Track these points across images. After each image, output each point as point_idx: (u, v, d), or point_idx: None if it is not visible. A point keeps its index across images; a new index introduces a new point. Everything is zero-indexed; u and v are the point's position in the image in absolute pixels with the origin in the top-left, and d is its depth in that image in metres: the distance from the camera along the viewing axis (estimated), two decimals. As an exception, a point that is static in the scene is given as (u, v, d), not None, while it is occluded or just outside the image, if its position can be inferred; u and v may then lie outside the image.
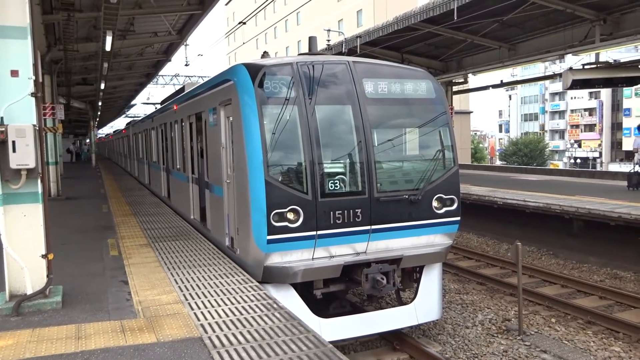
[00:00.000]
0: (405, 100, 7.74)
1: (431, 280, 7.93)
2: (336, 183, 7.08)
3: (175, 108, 12.63)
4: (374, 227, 7.26)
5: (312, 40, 8.64)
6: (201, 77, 42.38)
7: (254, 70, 7.00)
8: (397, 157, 7.79)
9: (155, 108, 19.65)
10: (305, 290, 7.26)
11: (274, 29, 64.93)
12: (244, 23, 17.67)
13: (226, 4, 77.78)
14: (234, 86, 7.26)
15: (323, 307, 7.71)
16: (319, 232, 6.93)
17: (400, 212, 7.42)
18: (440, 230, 7.78)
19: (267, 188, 6.64)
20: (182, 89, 13.58)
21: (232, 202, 7.76)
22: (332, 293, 7.67)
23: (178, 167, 12.54)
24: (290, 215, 6.76)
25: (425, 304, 7.82)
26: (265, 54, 9.08)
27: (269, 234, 6.68)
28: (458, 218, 7.88)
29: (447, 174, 7.76)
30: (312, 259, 7.02)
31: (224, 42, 79.37)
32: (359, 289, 7.99)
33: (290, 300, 6.85)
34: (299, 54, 8.43)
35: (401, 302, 8.40)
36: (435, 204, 7.64)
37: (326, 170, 7.04)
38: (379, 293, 7.41)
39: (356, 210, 7.11)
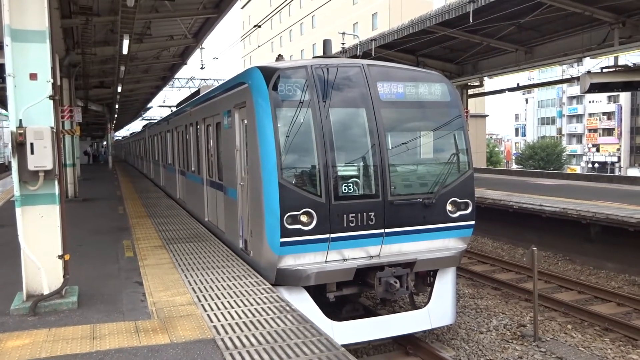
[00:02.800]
0: (419, 104, 7.69)
1: (445, 285, 7.86)
2: (350, 186, 7.05)
3: (190, 111, 12.61)
4: (387, 230, 7.22)
5: (326, 43, 8.66)
6: (216, 80, 42.67)
7: (268, 73, 7.00)
8: (411, 161, 7.72)
9: (171, 111, 19.83)
10: (318, 293, 7.25)
11: (289, 32, 65.18)
12: (260, 26, 17.77)
13: (242, 8, 78.26)
14: (249, 89, 7.27)
15: (336, 310, 7.70)
16: (332, 235, 6.91)
17: (414, 215, 7.37)
18: (455, 234, 7.72)
19: (281, 191, 6.64)
20: (197, 92, 13.53)
21: (245, 204, 7.77)
22: (345, 296, 7.65)
23: (193, 169, 12.51)
24: (304, 218, 6.75)
25: (438, 309, 7.76)
26: (279, 57, 9.11)
27: (282, 237, 6.68)
28: (472, 222, 7.82)
29: (461, 177, 7.71)
30: (325, 261, 7.00)
31: (240, 45, 79.85)
32: (372, 292, 7.97)
33: (303, 303, 6.83)
34: (314, 57, 8.45)
35: (414, 306, 8.35)
36: (449, 207, 7.59)
37: (340, 173, 7.00)
38: (392, 297, 7.36)
39: (370, 213, 7.08)
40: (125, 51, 15.10)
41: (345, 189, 7.00)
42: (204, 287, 6.53)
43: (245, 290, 6.34)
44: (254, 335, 4.93)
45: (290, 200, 6.69)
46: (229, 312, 5.56)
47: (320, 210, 6.81)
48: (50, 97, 5.65)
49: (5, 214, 13.21)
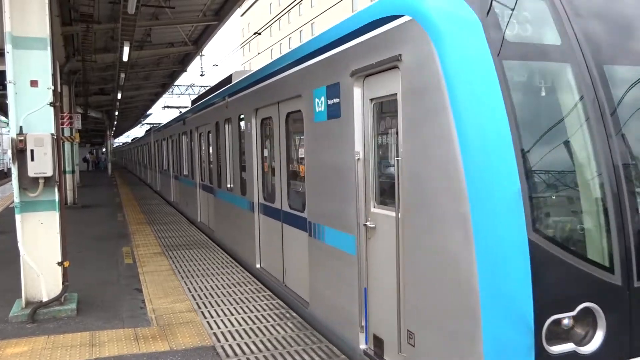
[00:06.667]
0: None
1: None
2: None
3: (227, 102, 8.95)
4: None
5: None
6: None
7: None
8: None
9: (180, 112, 17.42)
10: None
11: (289, 40, 65.44)
12: (259, 34, 17.85)
13: (241, 15, 78.70)
14: (417, 26, 3.49)
15: None
16: None
17: None
18: None
19: (536, 261, 3.03)
20: (229, 78, 9.95)
21: (386, 268, 4.10)
22: None
23: (229, 186, 9.03)
24: (580, 329, 3.19)
25: None
26: None
27: None
28: None
29: None
30: None
31: (239, 53, 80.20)
32: None
33: None
34: None
35: None
36: None
37: None
38: None
39: None
40: (125, 58, 15.14)
41: None
42: (204, 294, 6.51)
43: (245, 297, 6.32)
44: (254, 342, 4.91)
45: (555, 285, 3.09)
46: (228, 319, 5.54)
47: (614, 304, 3.19)
48: (51, 104, 5.67)
49: (5, 221, 13.20)
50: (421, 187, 3.52)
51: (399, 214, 3.77)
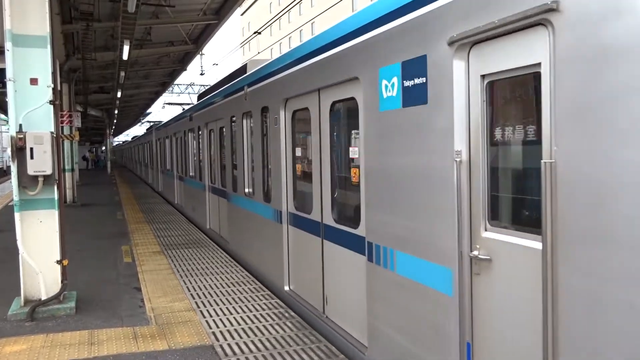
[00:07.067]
0: None
1: None
2: None
3: (245, 93, 7.77)
4: None
5: None
6: (216, 86, 42.52)
7: None
8: None
9: (183, 109, 17.01)
10: None
11: (289, 39, 65.46)
12: (259, 33, 17.85)
13: (242, 14, 78.71)
14: None
15: None
16: None
17: None
18: None
19: None
20: (243, 68, 8.75)
21: (511, 322, 2.88)
22: None
23: (247, 191, 7.95)
24: None
25: None
26: None
27: None
28: None
29: None
30: None
31: (239, 52, 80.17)
32: None
33: None
34: None
35: None
36: None
37: None
38: None
39: None
40: (125, 57, 15.13)
41: None
42: (203, 293, 6.51)
43: (244, 297, 6.32)
44: (252, 341, 4.91)
45: None
46: (227, 319, 5.54)
47: None
48: (51, 102, 5.66)
49: (4, 219, 13.19)
50: (605, 207, 2.24)
51: (548, 245, 2.52)
